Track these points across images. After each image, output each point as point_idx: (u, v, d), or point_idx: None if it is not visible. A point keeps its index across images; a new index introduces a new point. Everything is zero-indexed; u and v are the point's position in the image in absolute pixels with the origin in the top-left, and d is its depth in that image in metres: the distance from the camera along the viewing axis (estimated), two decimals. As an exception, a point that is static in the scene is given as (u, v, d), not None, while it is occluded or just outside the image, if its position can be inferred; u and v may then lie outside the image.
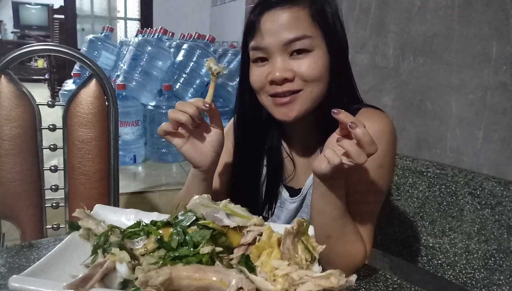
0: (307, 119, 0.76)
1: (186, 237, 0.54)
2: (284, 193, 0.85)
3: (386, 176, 0.75)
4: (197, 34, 2.94)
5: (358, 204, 0.73)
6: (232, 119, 0.92)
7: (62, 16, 5.02)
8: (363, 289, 0.68)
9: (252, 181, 0.86)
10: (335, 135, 0.63)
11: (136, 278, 0.47)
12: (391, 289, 0.68)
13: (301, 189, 0.83)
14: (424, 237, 1.00)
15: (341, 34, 0.76)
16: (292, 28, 0.70)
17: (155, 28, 2.85)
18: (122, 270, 0.49)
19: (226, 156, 0.87)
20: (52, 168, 1.13)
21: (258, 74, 0.74)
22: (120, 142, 1.79)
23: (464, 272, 0.92)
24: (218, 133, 0.73)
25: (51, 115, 1.22)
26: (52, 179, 1.16)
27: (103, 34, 3.21)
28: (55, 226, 1.15)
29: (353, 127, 0.56)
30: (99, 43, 3.14)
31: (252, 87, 0.77)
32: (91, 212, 0.65)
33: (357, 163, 0.58)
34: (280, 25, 0.70)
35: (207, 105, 0.68)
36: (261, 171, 0.86)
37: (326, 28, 0.72)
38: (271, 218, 0.86)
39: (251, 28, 0.73)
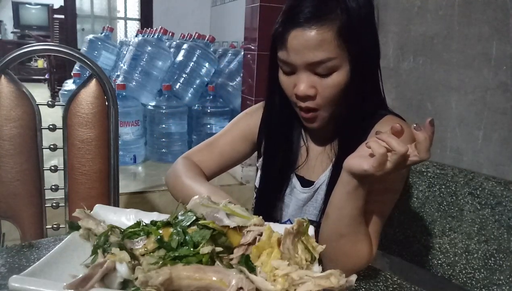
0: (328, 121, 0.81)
1: (186, 237, 0.54)
2: (295, 181, 0.87)
3: (401, 176, 0.77)
4: (197, 34, 2.94)
5: (371, 204, 0.72)
6: (258, 105, 0.95)
7: (62, 16, 5.01)
8: (363, 289, 0.68)
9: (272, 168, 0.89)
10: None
11: (136, 278, 0.47)
12: (391, 289, 0.68)
13: (314, 181, 0.85)
14: (424, 237, 1.00)
15: (372, 43, 0.76)
16: (317, 51, 0.71)
17: (155, 28, 2.85)
18: (122, 270, 0.50)
19: (239, 134, 0.94)
20: (52, 168, 1.13)
21: (287, 84, 0.77)
22: (120, 142, 1.78)
23: (464, 272, 0.92)
24: None
25: (51, 115, 1.22)
26: (52, 179, 1.16)
27: (103, 34, 3.21)
28: (55, 226, 1.15)
29: (418, 129, 0.58)
30: (99, 43, 3.14)
31: (281, 88, 0.80)
32: (91, 212, 0.65)
33: (418, 160, 0.59)
34: (305, 46, 0.71)
35: None
36: (279, 156, 0.89)
37: (351, 47, 0.72)
38: (280, 205, 0.88)
39: (279, 39, 0.75)
